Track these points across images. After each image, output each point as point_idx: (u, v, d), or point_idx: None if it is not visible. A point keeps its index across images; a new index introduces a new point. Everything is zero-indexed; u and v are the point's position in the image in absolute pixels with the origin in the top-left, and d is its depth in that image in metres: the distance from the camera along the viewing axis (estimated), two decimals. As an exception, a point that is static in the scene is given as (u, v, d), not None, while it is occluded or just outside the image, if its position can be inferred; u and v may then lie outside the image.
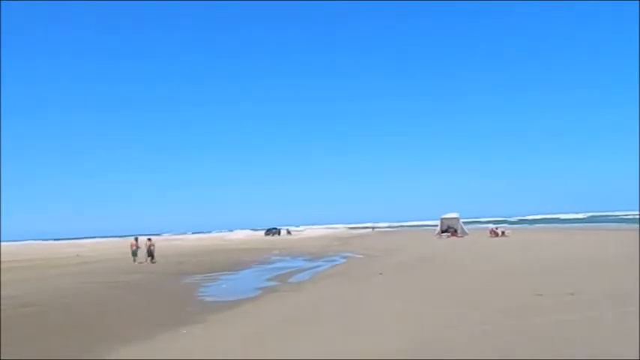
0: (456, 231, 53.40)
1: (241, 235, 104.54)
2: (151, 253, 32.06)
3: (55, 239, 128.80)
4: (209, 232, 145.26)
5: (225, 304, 13.72)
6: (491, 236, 46.23)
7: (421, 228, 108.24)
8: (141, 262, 31.47)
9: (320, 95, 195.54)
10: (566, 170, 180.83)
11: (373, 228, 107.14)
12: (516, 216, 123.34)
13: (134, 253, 31.82)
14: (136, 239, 32.62)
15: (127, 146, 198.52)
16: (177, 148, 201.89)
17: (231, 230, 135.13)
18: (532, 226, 78.86)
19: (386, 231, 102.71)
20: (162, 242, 72.52)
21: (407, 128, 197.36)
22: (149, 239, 32.91)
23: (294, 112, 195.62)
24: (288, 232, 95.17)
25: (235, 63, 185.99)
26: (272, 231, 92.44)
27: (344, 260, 28.79)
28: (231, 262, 30.67)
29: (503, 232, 46.18)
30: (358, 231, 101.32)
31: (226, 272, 24.27)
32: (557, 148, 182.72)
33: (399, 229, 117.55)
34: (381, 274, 19.28)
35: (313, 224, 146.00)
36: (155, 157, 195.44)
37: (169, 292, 17.57)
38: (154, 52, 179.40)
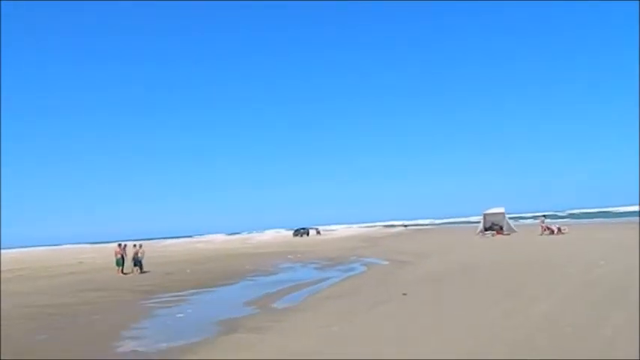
0: (501, 228, 46.58)
1: (269, 236, 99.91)
2: (137, 262, 27.22)
3: (93, 242, 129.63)
4: (240, 233, 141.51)
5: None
6: (545, 233, 39.28)
7: (461, 225, 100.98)
8: (127, 273, 26.72)
9: (362, 94, 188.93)
10: (615, 161, 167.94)
11: (406, 226, 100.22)
12: (566, 209, 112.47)
13: (118, 262, 27.00)
14: (120, 245, 27.77)
15: (161, 148, 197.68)
16: (217, 150, 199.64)
17: (264, 231, 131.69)
18: (586, 221, 69.95)
19: (423, 229, 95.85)
20: (178, 247, 68.80)
21: (443, 124, 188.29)
22: (136, 245, 28.03)
23: (334, 112, 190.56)
24: (318, 233, 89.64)
25: (258, 62, 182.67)
26: (300, 231, 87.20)
27: (363, 269, 23.02)
28: (229, 272, 25.46)
29: (559, 229, 39.11)
30: (393, 229, 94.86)
31: (207, 289, 19.01)
32: (604, 139, 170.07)
33: (438, 226, 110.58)
34: (404, 294, 13.48)
35: (351, 223, 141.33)
36: (194, 160, 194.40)
37: (96, 327, 12.27)
38: (157, 54, 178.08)
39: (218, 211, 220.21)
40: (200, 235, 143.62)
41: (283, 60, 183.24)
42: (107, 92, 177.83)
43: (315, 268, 24.82)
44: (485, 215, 48.35)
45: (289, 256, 34.41)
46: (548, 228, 39.95)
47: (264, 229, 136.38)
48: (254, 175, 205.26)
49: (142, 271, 27.13)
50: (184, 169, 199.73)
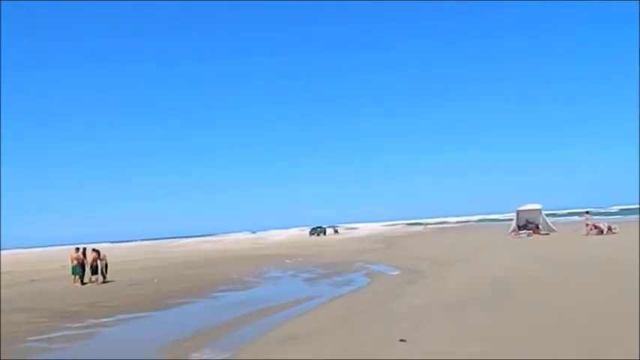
0: (537, 227, 40.68)
1: (287, 235, 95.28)
2: (96, 271, 22.72)
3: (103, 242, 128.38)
4: (265, 231, 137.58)
5: None
6: (592, 233, 33.30)
7: (490, 223, 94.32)
8: (86, 283, 22.27)
9: (391, 92, 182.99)
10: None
11: (425, 225, 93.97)
12: (612, 205, 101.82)
13: (75, 270, 22.51)
14: (79, 250, 23.22)
15: (192, 147, 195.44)
16: (243, 147, 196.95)
17: (287, 229, 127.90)
18: (632, 218, 62.36)
19: (449, 227, 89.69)
20: (186, 247, 64.73)
21: (471, 120, 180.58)
22: (95, 250, 23.49)
23: (365, 111, 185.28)
24: (335, 232, 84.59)
25: (283, 61, 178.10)
26: (317, 230, 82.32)
27: (364, 282, 17.80)
28: (202, 283, 20.75)
29: (609, 228, 33.05)
30: (415, 228, 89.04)
31: (146, 313, 14.21)
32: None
33: (465, 224, 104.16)
34: (402, 341, 8.37)
35: (377, 221, 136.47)
36: (228, 160, 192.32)
37: None
38: (161, 54, 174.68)
39: (250, 209, 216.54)
40: (225, 233, 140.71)
41: (311, 59, 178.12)
42: (121, 92, 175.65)
43: (306, 280, 19.78)
44: (518, 212, 42.39)
45: (287, 261, 29.48)
46: (596, 226, 33.93)
47: (289, 227, 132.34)
48: (286, 174, 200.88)
49: (104, 281, 22.70)
50: (217, 168, 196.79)
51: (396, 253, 30.04)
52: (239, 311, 13.38)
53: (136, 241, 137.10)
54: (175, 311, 14.46)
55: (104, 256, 23.46)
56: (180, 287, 19.58)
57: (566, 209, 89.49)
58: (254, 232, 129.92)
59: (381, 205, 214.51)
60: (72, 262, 22.81)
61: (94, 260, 22.76)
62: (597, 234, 32.64)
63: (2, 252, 71.41)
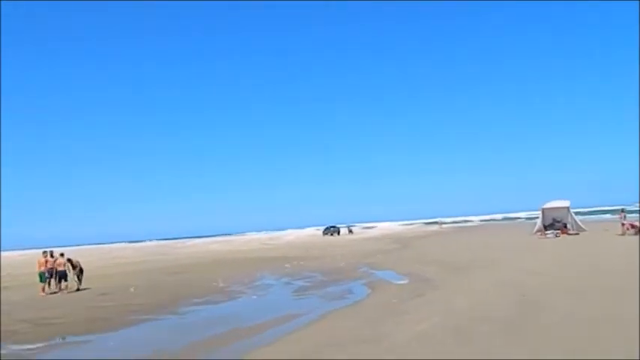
0: (565, 226, 37.16)
1: (300, 234, 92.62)
2: (65, 278, 20.27)
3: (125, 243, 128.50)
4: (283, 230, 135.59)
5: None
6: (628, 233, 29.78)
7: (511, 222, 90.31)
8: (55, 292, 19.84)
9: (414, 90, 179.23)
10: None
11: (440, 224, 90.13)
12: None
13: (42, 277, 20.10)
14: (45, 253, 20.77)
15: (198, 148, 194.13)
16: (263, 147, 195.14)
17: (305, 228, 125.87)
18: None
19: (468, 227, 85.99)
20: (194, 247, 62.33)
21: (492, 116, 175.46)
22: (62, 255, 20.98)
23: (395, 109, 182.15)
24: (350, 231, 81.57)
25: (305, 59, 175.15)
26: (330, 230, 79.36)
27: (362, 295, 14.85)
28: (184, 292, 18.21)
29: (649, 227, 29.47)
30: (433, 227, 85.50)
31: (82, 336, 11.57)
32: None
33: (487, 223, 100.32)
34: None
35: (397, 220, 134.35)
36: (257, 159, 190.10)
37: None
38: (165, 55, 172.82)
39: (271, 209, 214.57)
40: (243, 233, 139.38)
41: (317, 58, 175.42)
42: (120, 92, 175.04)
43: (297, 290, 16.94)
44: (544, 210, 38.88)
45: (287, 265, 26.68)
46: (633, 225, 30.34)
47: (307, 227, 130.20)
48: (306, 174, 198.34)
49: (78, 288, 20.26)
50: (240, 169, 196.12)
51: (408, 256, 27.03)
52: (203, 333, 10.74)
53: (151, 240, 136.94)
54: (132, 331, 11.82)
55: (77, 262, 21.03)
56: (155, 298, 16.98)
57: (591, 207, 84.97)
58: (274, 232, 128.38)
59: (402, 205, 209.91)
60: (39, 267, 20.40)
61: (60, 266, 20.27)
62: (635, 233, 29.08)
63: (6, 253, 70.31)
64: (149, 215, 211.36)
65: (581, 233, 35.00)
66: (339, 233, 77.86)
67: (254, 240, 80.00)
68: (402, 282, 16.57)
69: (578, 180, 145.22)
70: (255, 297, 15.66)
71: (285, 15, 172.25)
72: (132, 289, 19.55)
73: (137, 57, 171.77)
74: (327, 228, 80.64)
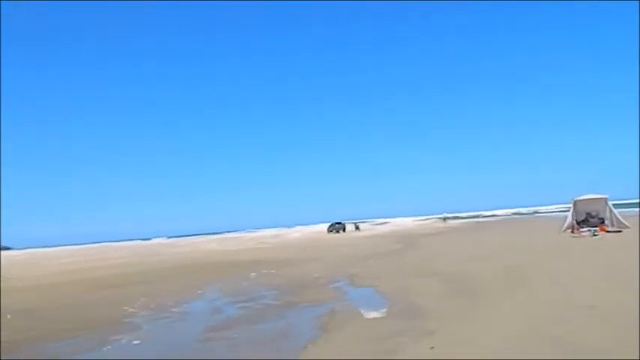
0: (603, 222, 30.83)
1: (305, 232, 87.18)
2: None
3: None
4: (293, 227, 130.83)
5: None
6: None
7: (535, 217, 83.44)
8: None
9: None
10: None
11: (445, 219, 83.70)
12: None
13: None
14: None
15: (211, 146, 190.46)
16: (277, 143, 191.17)
17: (317, 224, 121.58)
18: None
19: (487, 221, 79.37)
20: (189, 247, 57.65)
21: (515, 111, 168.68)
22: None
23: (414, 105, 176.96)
24: (357, 228, 75.85)
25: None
26: (335, 227, 73.77)
27: (306, 339, 9.12)
28: (66, 324, 12.69)
29: None
30: (446, 223, 79.20)
31: None
32: None
33: (508, 217, 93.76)
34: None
35: (413, 215, 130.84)
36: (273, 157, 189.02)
37: None
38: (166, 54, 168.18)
39: (287, 205, 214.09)
40: (255, 229, 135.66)
41: (349, 56, 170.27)
42: (120, 92, 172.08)
43: (215, 327, 11.10)
44: (576, 203, 32.49)
45: (252, 274, 21.10)
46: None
47: (319, 223, 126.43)
48: (322, 169, 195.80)
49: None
50: (255, 166, 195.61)
51: (407, 262, 21.18)
52: None
53: (157, 238, 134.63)
54: None
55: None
56: (20, 336, 11.48)
57: (627, 199, 77.28)
58: (284, 228, 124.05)
59: (420, 199, 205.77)
60: None
61: None
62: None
63: (14, 252, 66.61)
64: (160, 214, 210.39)
65: (624, 230, 28.65)
66: (344, 230, 72.23)
67: (256, 238, 74.78)
68: (376, 315, 10.70)
69: (611, 171, 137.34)
70: (136, 342, 9.93)
71: (285, 15, 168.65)
72: (8, 317, 14.10)
73: (137, 57, 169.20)
74: (332, 225, 74.99)
